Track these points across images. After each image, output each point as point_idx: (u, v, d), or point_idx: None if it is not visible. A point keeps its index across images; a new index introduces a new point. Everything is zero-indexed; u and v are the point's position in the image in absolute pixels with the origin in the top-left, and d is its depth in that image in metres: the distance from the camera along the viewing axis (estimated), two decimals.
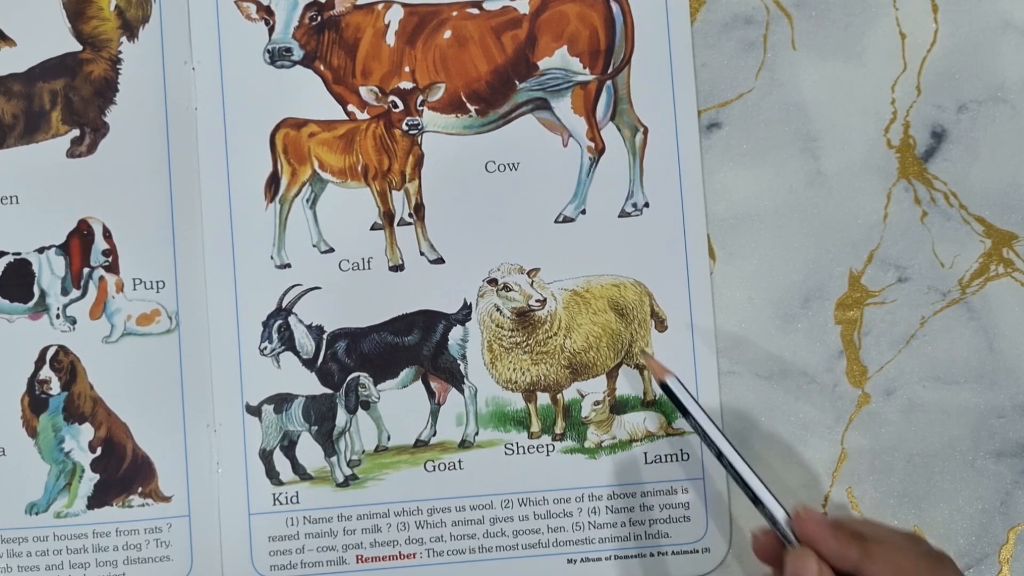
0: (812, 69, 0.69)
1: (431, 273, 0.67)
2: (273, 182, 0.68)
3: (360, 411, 0.67)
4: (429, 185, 0.68)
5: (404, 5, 0.68)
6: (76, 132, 0.67)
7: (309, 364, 0.67)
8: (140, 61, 0.67)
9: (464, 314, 0.67)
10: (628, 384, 0.68)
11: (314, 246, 0.67)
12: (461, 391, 0.67)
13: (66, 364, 0.66)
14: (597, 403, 0.68)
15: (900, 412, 0.68)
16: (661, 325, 0.68)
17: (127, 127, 0.67)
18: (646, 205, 0.68)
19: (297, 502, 0.66)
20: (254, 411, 0.67)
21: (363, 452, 0.67)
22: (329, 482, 0.67)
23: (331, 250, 0.67)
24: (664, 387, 0.62)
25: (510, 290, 0.67)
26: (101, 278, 0.67)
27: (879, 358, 0.68)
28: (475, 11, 0.68)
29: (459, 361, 0.67)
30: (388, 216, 0.68)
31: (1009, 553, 0.68)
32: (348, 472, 0.67)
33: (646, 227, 0.68)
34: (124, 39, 0.68)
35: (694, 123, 0.68)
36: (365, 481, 0.67)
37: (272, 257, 0.67)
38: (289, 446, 0.67)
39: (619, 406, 0.68)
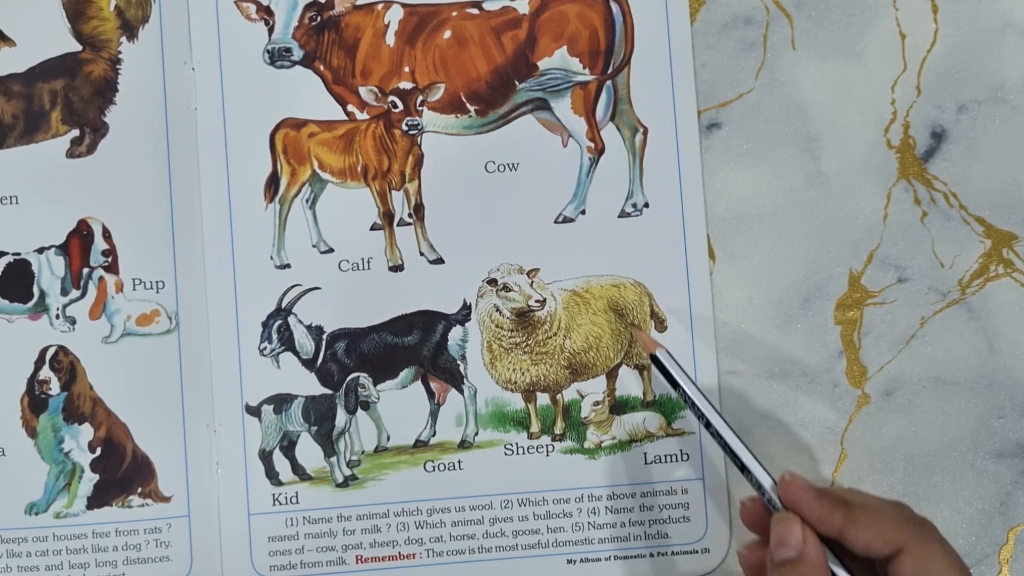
0: (812, 69, 0.69)
1: (431, 273, 0.67)
2: (273, 182, 0.68)
3: (360, 411, 0.67)
4: (429, 185, 0.68)
5: (404, 5, 0.68)
6: (76, 132, 0.67)
7: (309, 364, 0.67)
8: (140, 61, 0.67)
9: (464, 314, 0.67)
10: (628, 384, 0.68)
11: (314, 246, 0.67)
12: (461, 391, 0.67)
13: (66, 364, 0.66)
14: (597, 403, 0.68)
15: (900, 412, 0.68)
16: (661, 325, 0.68)
17: (127, 127, 0.67)
18: (646, 205, 0.68)
19: (297, 502, 0.66)
20: (254, 411, 0.67)
21: (363, 452, 0.67)
22: (329, 482, 0.67)
23: (331, 250, 0.67)
24: (654, 360, 0.63)
25: (510, 290, 0.67)
26: (101, 278, 0.67)
27: (879, 358, 0.68)
28: (475, 11, 0.68)
29: (459, 361, 0.67)
30: (388, 216, 0.68)
31: (1009, 553, 0.68)
32: (348, 472, 0.67)
33: (646, 227, 0.68)
34: (124, 39, 0.68)
35: (694, 123, 0.68)
36: (365, 481, 0.67)
37: (272, 257, 0.67)
38: (289, 446, 0.67)
39: (619, 406, 0.68)
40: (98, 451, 0.67)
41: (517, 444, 0.67)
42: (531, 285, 0.67)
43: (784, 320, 0.68)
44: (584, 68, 0.68)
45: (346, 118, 0.68)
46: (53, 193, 0.67)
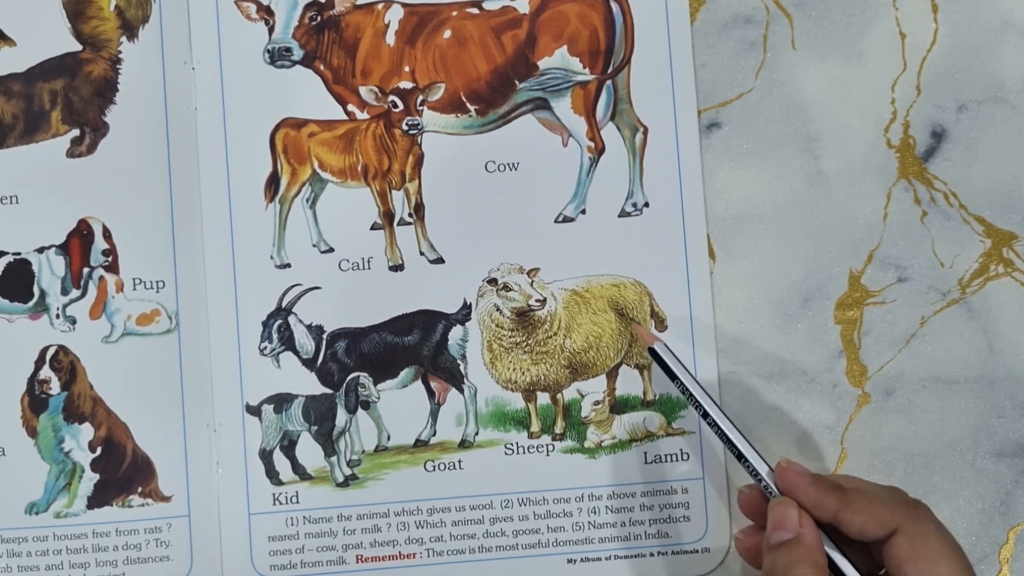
0: (812, 69, 0.69)
1: (431, 273, 0.67)
2: (273, 182, 0.68)
3: (360, 411, 0.67)
4: (429, 185, 0.68)
5: (404, 5, 0.68)
6: (76, 132, 0.67)
7: (309, 364, 0.67)
8: (140, 61, 0.67)
9: (464, 314, 0.67)
10: (628, 384, 0.68)
11: (314, 246, 0.67)
12: (461, 391, 0.67)
13: (66, 364, 0.66)
14: (597, 403, 0.68)
15: (900, 412, 0.68)
16: (661, 325, 0.68)
17: (127, 127, 0.67)
18: (646, 205, 0.68)
19: (297, 502, 0.66)
20: (254, 411, 0.67)
21: (363, 452, 0.67)
22: (329, 482, 0.67)
23: (331, 250, 0.67)
24: (652, 353, 0.63)
25: (510, 290, 0.67)
26: (101, 278, 0.67)
27: (879, 358, 0.68)
28: (475, 11, 0.68)
29: (459, 361, 0.67)
30: (388, 216, 0.68)
31: (1009, 553, 0.68)
32: (348, 472, 0.67)
33: (646, 227, 0.68)
34: (124, 39, 0.68)
35: (694, 123, 0.68)
36: (365, 481, 0.67)
37: (272, 257, 0.67)
38: (289, 446, 0.67)
39: (619, 406, 0.68)
40: (98, 451, 0.67)
41: (517, 444, 0.67)
42: (531, 285, 0.67)
43: (784, 320, 0.68)
44: (584, 68, 0.68)
45: (346, 118, 0.68)
46: (53, 193, 0.67)
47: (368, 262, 0.67)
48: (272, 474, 0.67)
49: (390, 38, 0.68)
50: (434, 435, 0.67)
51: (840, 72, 0.69)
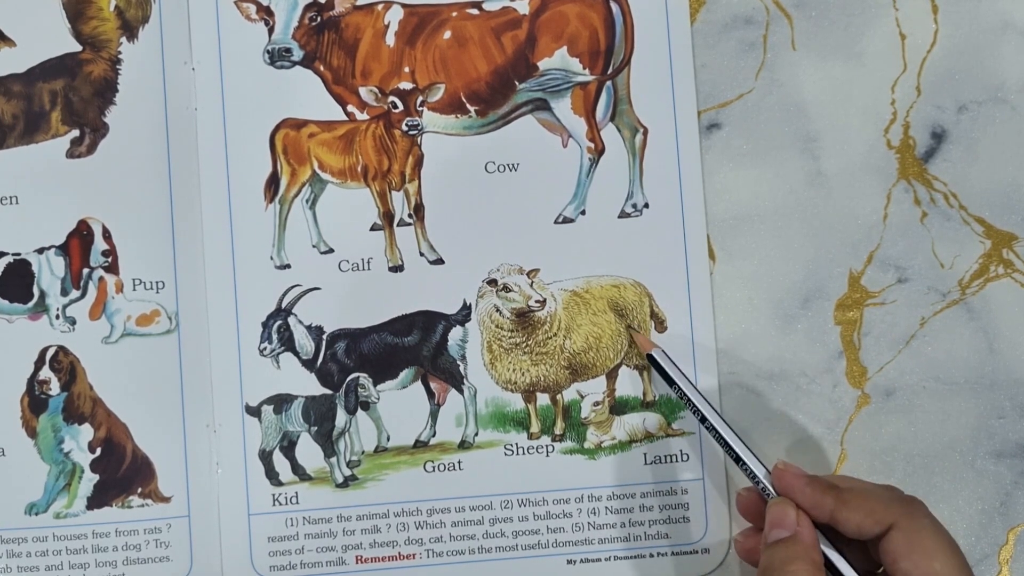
0: (812, 69, 0.69)
1: (431, 273, 0.67)
2: (273, 182, 0.68)
3: (360, 412, 0.67)
4: (429, 185, 0.68)
5: (404, 5, 0.68)
6: (76, 132, 0.67)
7: (309, 364, 0.67)
8: (140, 61, 0.67)
9: (464, 314, 0.67)
10: (628, 384, 0.68)
11: (314, 246, 0.67)
12: (461, 392, 0.67)
13: (66, 364, 0.66)
14: (597, 404, 0.68)
15: (900, 412, 0.68)
16: (661, 326, 0.68)
17: (127, 127, 0.67)
18: (646, 206, 0.68)
19: (297, 503, 0.66)
20: (254, 411, 0.67)
21: (363, 453, 0.67)
22: (329, 483, 0.67)
23: (331, 250, 0.67)
24: (651, 360, 0.65)
25: (510, 291, 0.67)
26: (101, 278, 0.67)
27: (879, 358, 0.68)
28: (475, 11, 0.68)
29: (459, 362, 0.67)
30: (388, 216, 0.68)
31: (1009, 553, 0.68)
32: (348, 473, 0.67)
33: (646, 227, 0.68)
34: (124, 39, 0.68)
35: (694, 123, 0.68)
36: (365, 482, 0.67)
37: (272, 257, 0.67)
38: (289, 446, 0.67)
39: (619, 407, 0.68)
40: (98, 451, 0.67)
41: (517, 444, 0.67)
42: (531, 285, 0.67)
43: (784, 320, 0.68)
44: (584, 68, 0.68)
45: (346, 118, 0.68)
46: (53, 193, 0.67)
47: (368, 263, 0.67)
48: (272, 475, 0.67)
49: (390, 39, 0.68)
50: (434, 436, 0.67)
51: (840, 72, 0.69)
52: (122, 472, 0.66)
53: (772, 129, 0.68)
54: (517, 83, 0.68)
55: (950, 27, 0.69)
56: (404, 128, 0.68)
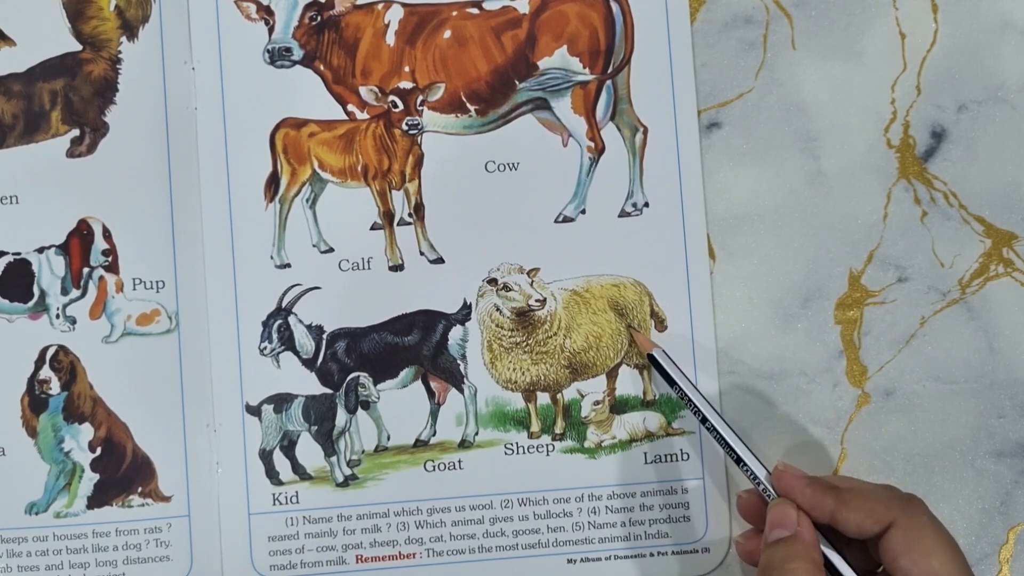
0: (812, 69, 0.69)
1: (431, 273, 0.67)
2: (273, 182, 0.68)
3: (360, 411, 0.67)
4: (429, 185, 0.68)
5: (404, 5, 0.68)
6: (76, 132, 0.67)
7: (309, 364, 0.67)
8: (140, 61, 0.67)
9: (464, 314, 0.67)
10: (628, 384, 0.68)
11: (314, 246, 0.67)
12: (461, 391, 0.67)
13: (66, 364, 0.66)
14: (597, 403, 0.68)
15: (900, 412, 0.68)
16: (661, 325, 0.68)
17: (127, 127, 0.67)
18: (646, 205, 0.68)
19: (297, 502, 0.66)
20: (254, 411, 0.67)
21: (363, 452, 0.67)
22: (329, 482, 0.67)
23: (331, 250, 0.67)
24: (652, 360, 0.65)
25: (510, 290, 0.67)
26: (101, 278, 0.67)
27: (879, 358, 0.68)
28: (475, 11, 0.68)
29: (459, 361, 0.67)
30: (388, 216, 0.68)
31: (1009, 553, 0.68)
32: (348, 472, 0.67)
33: (646, 227, 0.68)
34: (124, 39, 0.68)
35: (694, 123, 0.68)
36: (365, 481, 0.67)
37: (272, 257, 0.67)
38: (289, 446, 0.67)
39: (619, 406, 0.68)
40: (98, 451, 0.67)
41: (517, 444, 0.67)
42: (531, 285, 0.67)
43: (784, 320, 0.68)
44: (584, 68, 0.68)
45: (346, 118, 0.68)
46: (53, 193, 0.67)
47: (368, 262, 0.67)
48: (272, 474, 0.67)
49: (390, 38, 0.68)
50: (434, 435, 0.67)
51: (840, 72, 0.69)
52: (122, 472, 0.66)
53: (772, 129, 0.68)
54: (517, 82, 0.68)
55: (950, 27, 0.69)
56: (404, 127, 0.68)
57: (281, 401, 0.67)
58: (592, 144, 0.68)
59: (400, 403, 0.67)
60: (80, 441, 0.67)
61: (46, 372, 0.66)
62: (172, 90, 0.67)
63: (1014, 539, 0.68)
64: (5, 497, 0.66)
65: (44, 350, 0.67)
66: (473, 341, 0.67)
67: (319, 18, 0.68)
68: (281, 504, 0.66)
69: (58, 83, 0.67)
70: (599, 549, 0.67)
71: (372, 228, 0.68)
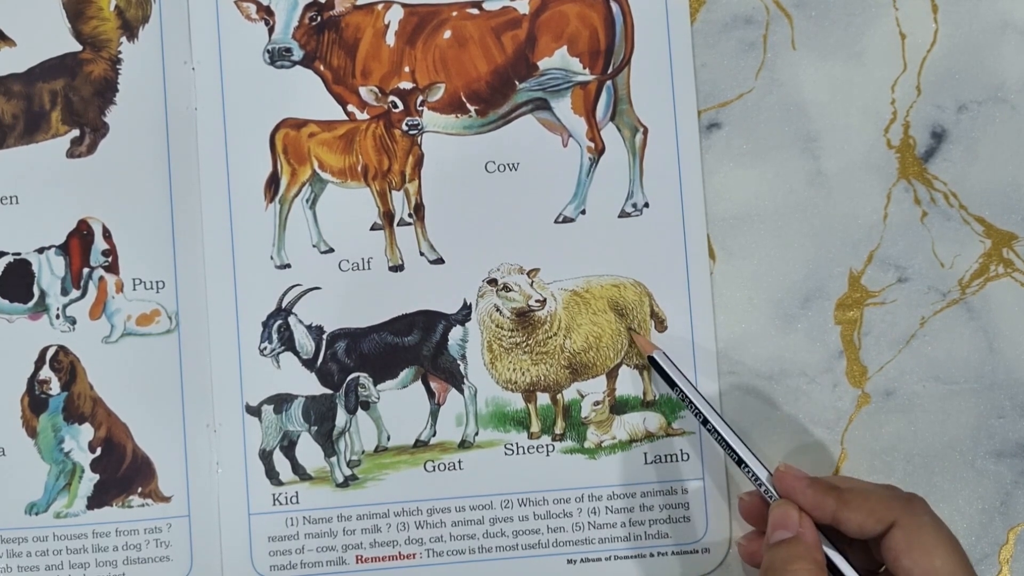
0: (812, 69, 0.69)
1: (431, 273, 0.67)
2: (273, 182, 0.68)
3: (360, 411, 0.67)
4: (429, 185, 0.68)
5: (404, 5, 0.68)
6: (76, 132, 0.67)
7: (309, 364, 0.67)
8: (140, 61, 0.67)
9: (464, 314, 0.67)
10: (628, 384, 0.68)
11: (314, 246, 0.67)
12: (461, 391, 0.67)
13: (66, 364, 0.66)
14: (597, 403, 0.68)
15: (900, 412, 0.68)
16: (661, 325, 0.68)
17: (127, 127, 0.67)
18: (646, 205, 0.68)
19: (297, 502, 0.66)
20: (254, 411, 0.67)
21: (363, 452, 0.67)
22: (329, 482, 0.67)
23: (331, 250, 0.67)
24: (652, 361, 0.65)
25: (510, 290, 0.67)
26: (101, 278, 0.67)
27: (879, 358, 0.68)
28: (475, 11, 0.68)
29: (459, 361, 0.67)
30: (388, 216, 0.68)
31: (1009, 553, 0.68)
32: (348, 472, 0.67)
33: (646, 227, 0.68)
34: (124, 39, 0.68)
35: (694, 123, 0.68)
36: (365, 481, 0.67)
37: (272, 257, 0.67)
38: (289, 446, 0.67)
39: (619, 406, 0.68)
40: (98, 451, 0.67)
41: (517, 444, 0.67)
42: (531, 285, 0.67)
43: (784, 320, 0.68)
44: (584, 68, 0.68)
45: (346, 118, 0.68)
46: (53, 193, 0.67)
47: (368, 262, 0.67)
48: (272, 474, 0.67)
49: (390, 38, 0.68)
50: (434, 435, 0.67)
51: (840, 72, 0.69)
52: (122, 472, 0.66)
53: (772, 129, 0.68)
54: (517, 83, 0.68)
55: (950, 27, 0.69)
56: (404, 128, 0.68)
57: (281, 401, 0.67)
58: (592, 144, 0.68)
59: (400, 403, 0.67)
60: (80, 441, 0.67)
61: (46, 372, 0.66)
62: (172, 90, 0.67)
63: (1014, 539, 0.68)
64: (5, 497, 0.66)
65: (44, 350, 0.67)
66: (473, 341, 0.67)
67: (319, 18, 0.68)
68: (281, 504, 0.66)
69: (58, 83, 0.67)
70: (599, 549, 0.67)
71: (372, 228, 0.68)
